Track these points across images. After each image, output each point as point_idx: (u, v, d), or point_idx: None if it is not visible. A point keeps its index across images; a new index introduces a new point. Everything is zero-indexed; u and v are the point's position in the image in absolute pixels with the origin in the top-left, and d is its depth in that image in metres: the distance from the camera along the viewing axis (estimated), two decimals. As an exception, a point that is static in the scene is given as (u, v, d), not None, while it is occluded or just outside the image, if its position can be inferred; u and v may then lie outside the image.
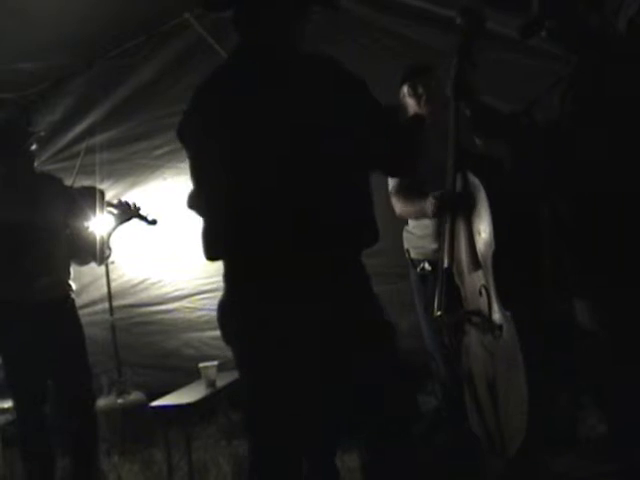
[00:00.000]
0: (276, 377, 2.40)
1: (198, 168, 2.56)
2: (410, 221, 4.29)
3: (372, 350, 2.42)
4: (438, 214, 3.65)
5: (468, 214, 3.45)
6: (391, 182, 4.16)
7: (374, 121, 2.43)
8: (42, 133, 4.99)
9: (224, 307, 2.50)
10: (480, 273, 3.40)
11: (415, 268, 4.22)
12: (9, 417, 5.23)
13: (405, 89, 4.19)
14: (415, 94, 4.14)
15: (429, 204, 3.69)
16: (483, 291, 3.36)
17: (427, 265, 4.08)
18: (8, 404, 5.04)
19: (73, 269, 4.58)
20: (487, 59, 4.39)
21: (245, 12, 2.54)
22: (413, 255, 4.25)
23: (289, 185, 2.34)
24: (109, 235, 4.66)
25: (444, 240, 3.51)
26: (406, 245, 4.30)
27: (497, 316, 3.30)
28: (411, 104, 4.16)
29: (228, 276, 2.48)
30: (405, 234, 4.31)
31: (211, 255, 2.51)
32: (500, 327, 3.27)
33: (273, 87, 2.40)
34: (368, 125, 2.41)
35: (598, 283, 2.93)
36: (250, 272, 2.40)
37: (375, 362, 2.43)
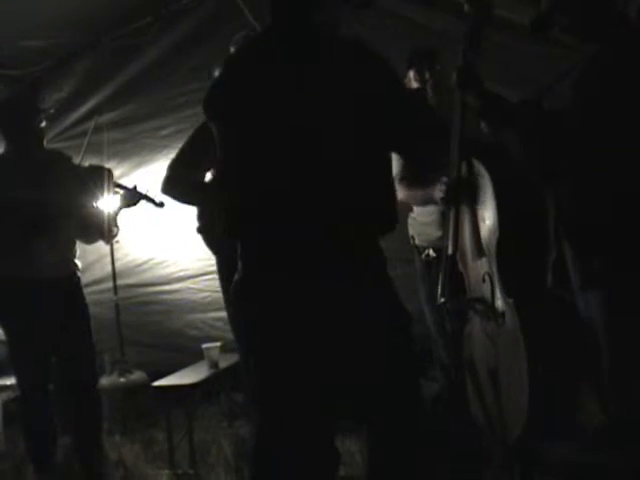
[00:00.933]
0: (291, 359, 2.40)
1: (222, 144, 2.54)
2: (415, 208, 4.27)
3: (389, 336, 2.43)
4: (446, 201, 3.64)
5: (473, 201, 3.45)
6: (396, 167, 4.14)
7: (404, 105, 2.44)
8: (52, 110, 5.00)
9: (241, 286, 2.49)
10: (484, 260, 3.39)
11: (420, 255, 4.22)
12: (11, 394, 5.26)
13: (411, 74, 4.17)
14: (421, 79, 4.11)
15: (437, 190, 3.68)
16: (487, 278, 3.36)
17: (432, 252, 4.08)
18: (10, 381, 5.07)
19: (79, 247, 4.59)
20: (497, 45, 4.41)
21: None
22: (418, 242, 4.24)
23: (314, 168, 2.33)
24: (116, 213, 4.66)
25: (448, 227, 3.50)
26: (411, 232, 4.30)
27: (500, 303, 3.30)
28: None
29: (248, 256, 2.47)
30: (410, 220, 4.30)
31: (231, 233, 2.51)
32: (503, 314, 3.27)
33: (302, 66, 2.39)
34: (398, 109, 2.41)
35: (600, 271, 2.94)
36: (271, 254, 2.39)
37: (391, 348, 2.43)
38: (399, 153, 2.54)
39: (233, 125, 2.49)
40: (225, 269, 4.10)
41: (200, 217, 4.21)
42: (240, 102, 2.46)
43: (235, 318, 2.57)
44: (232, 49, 3.91)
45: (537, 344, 3.14)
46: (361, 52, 2.43)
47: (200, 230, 4.22)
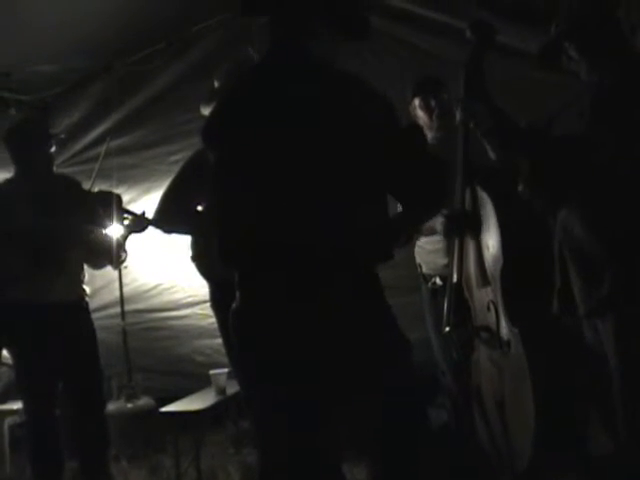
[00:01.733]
0: (288, 386, 2.38)
1: (221, 171, 2.55)
2: (422, 236, 4.28)
3: (387, 363, 2.40)
4: (448, 233, 3.64)
5: (477, 229, 3.44)
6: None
7: (395, 146, 2.41)
8: (62, 136, 5.02)
9: (240, 314, 2.48)
10: (489, 289, 3.39)
11: (426, 283, 4.21)
12: (17, 419, 5.26)
13: (417, 102, 4.18)
14: (427, 107, 4.13)
15: (439, 223, 3.68)
16: (491, 307, 3.35)
17: (438, 280, 4.07)
18: (17, 405, 5.07)
19: (87, 272, 4.60)
20: (505, 73, 4.42)
21: (281, 19, 2.55)
22: (424, 270, 4.24)
23: (308, 198, 2.33)
24: (125, 239, 4.67)
25: (453, 255, 3.50)
26: (418, 260, 4.29)
27: (505, 332, 3.29)
28: (422, 117, 4.16)
29: (244, 284, 2.47)
30: (416, 249, 4.30)
31: (227, 261, 2.51)
32: (508, 343, 3.26)
33: (299, 97, 2.39)
34: (389, 149, 2.39)
35: (609, 298, 2.93)
36: (267, 284, 2.38)
37: (389, 375, 2.42)
38: (390, 192, 2.52)
39: (230, 154, 2.50)
40: (219, 296, 4.08)
41: (193, 246, 4.20)
42: (237, 132, 2.47)
43: (233, 347, 2.55)
44: (216, 83, 3.95)
45: (543, 373, 3.12)
46: (358, 86, 2.43)
47: (193, 258, 4.21)
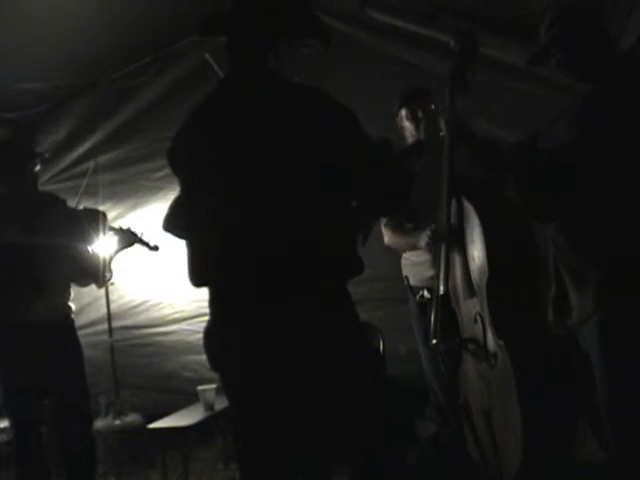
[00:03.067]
0: (259, 404, 2.40)
1: (187, 194, 2.57)
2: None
3: (356, 378, 2.40)
4: (432, 249, 3.65)
5: (462, 240, 3.44)
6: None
7: (360, 158, 2.40)
8: (47, 155, 5.02)
9: (209, 333, 2.49)
10: (475, 300, 3.39)
11: (414, 295, 4.20)
12: (4, 437, 5.23)
13: (403, 113, 4.19)
14: (414, 118, 4.14)
15: (423, 242, 3.69)
16: (478, 318, 3.35)
17: (426, 293, 4.06)
18: (4, 424, 5.04)
19: (73, 289, 4.59)
20: (487, 85, 4.44)
21: (238, 39, 2.55)
22: (412, 282, 4.23)
23: (274, 215, 2.32)
24: (111, 258, 4.67)
25: (439, 267, 3.49)
26: (404, 272, 4.29)
27: (491, 344, 3.28)
28: (409, 128, 4.17)
29: (214, 302, 2.47)
30: (403, 261, 4.30)
31: (197, 281, 2.50)
32: (495, 355, 3.25)
33: (263, 116, 2.38)
34: (354, 161, 2.39)
35: (595, 306, 2.94)
36: (234, 299, 2.39)
37: (360, 390, 2.41)
38: (358, 201, 2.52)
39: (195, 176, 2.50)
40: None
41: None
42: (200, 154, 2.47)
43: (210, 364, 2.55)
44: None
45: (530, 385, 3.12)
46: (321, 101, 2.42)
47: None
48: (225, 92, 2.56)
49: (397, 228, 4.09)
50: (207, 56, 5.37)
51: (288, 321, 2.31)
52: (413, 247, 3.93)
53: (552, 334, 3.22)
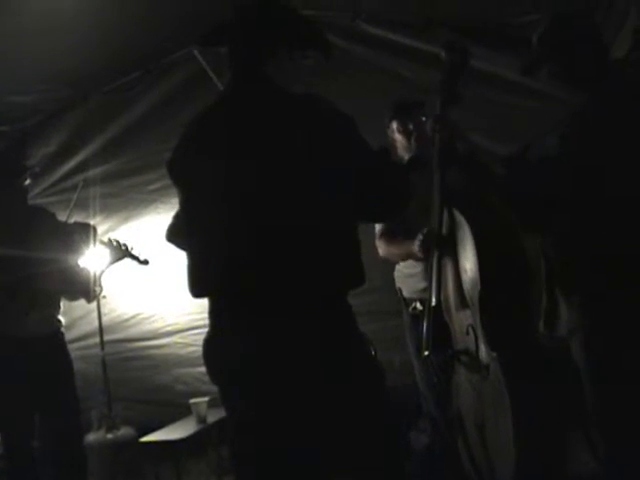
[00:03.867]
0: (258, 417, 2.38)
1: (187, 204, 2.57)
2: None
3: (356, 391, 2.38)
4: (425, 256, 3.64)
5: (454, 251, 3.44)
6: (377, 225, 4.15)
7: (360, 164, 2.41)
8: (37, 169, 5.01)
9: (209, 344, 2.48)
10: (467, 312, 3.38)
11: (407, 307, 4.20)
12: (-3, 451, 5.21)
13: (395, 125, 4.19)
14: (405, 130, 4.14)
15: (416, 246, 3.68)
16: (470, 330, 3.34)
17: (419, 305, 4.05)
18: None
19: (63, 303, 4.57)
20: (478, 97, 4.45)
21: (239, 50, 2.56)
22: (405, 294, 4.23)
23: (275, 225, 2.32)
24: (101, 273, 4.66)
25: (432, 278, 3.49)
26: (398, 284, 4.29)
27: (484, 356, 3.28)
28: (400, 140, 4.16)
29: (213, 313, 2.46)
30: (396, 273, 4.30)
31: (197, 292, 2.50)
32: (487, 367, 3.25)
33: (262, 126, 2.39)
34: (354, 167, 2.39)
35: (580, 316, 2.95)
36: (235, 310, 2.38)
37: (361, 403, 2.40)
38: (357, 207, 2.51)
39: (193, 186, 2.50)
40: None
41: None
42: (198, 164, 2.47)
43: (209, 376, 2.55)
44: None
45: (522, 397, 3.11)
46: (321, 109, 2.42)
47: None
48: (225, 103, 2.56)
49: (391, 240, 4.08)
50: (206, 67, 5.39)
51: (288, 333, 2.30)
52: (408, 257, 3.92)
53: (544, 345, 3.23)
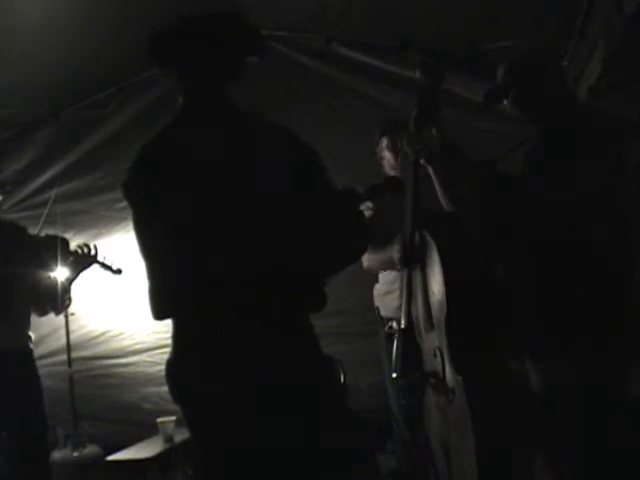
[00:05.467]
0: (221, 437, 2.38)
1: (142, 227, 2.52)
2: (380, 278, 4.31)
3: (318, 414, 2.36)
4: (403, 263, 3.65)
5: (424, 272, 3.46)
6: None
7: (313, 201, 2.38)
8: (9, 188, 4.99)
9: (172, 365, 2.47)
10: (435, 334, 3.39)
11: (384, 327, 4.22)
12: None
13: (385, 142, 4.27)
14: (394, 148, 4.22)
15: (395, 251, 3.71)
16: (437, 353, 3.35)
17: (394, 324, 4.07)
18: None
19: (33, 319, 4.55)
20: (456, 123, 4.50)
21: (188, 68, 2.54)
22: (382, 313, 4.26)
23: (232, 246, 2.31)
24: (70, 282, 4.62)
25: (402, 298, 3.50)
26: (376, 303, 4.32)
27: (450, 379, 3.28)
28: (388, 158, 4.26)
29: (177, 334, 2.44)
30: (375, 291, 4.34)
31: (159, 315, 2.47)
32: (452, 390, 3.25)
33: (217, 147, 2.38)
34: (311, 202, 2.37)
35: (549, 345, 3.00)
36: (198, 332, 2.37)
37: (322, 426, 2.39)
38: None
39: (145, 209, 2.48)
40: None
41: None
42: (149, 188, 2.46)
43: (172, 397, 2.53)
44: None
45: (486, 421, 3.12)
46: (281, 139, 2.40)
47: None
48: (178, 125, 2.54)
49: (372, 249, 4.06)
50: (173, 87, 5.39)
51: (249, 354, 2.29)
52: (389, 264, 3.94)
53: (511, 370, 3.26)
